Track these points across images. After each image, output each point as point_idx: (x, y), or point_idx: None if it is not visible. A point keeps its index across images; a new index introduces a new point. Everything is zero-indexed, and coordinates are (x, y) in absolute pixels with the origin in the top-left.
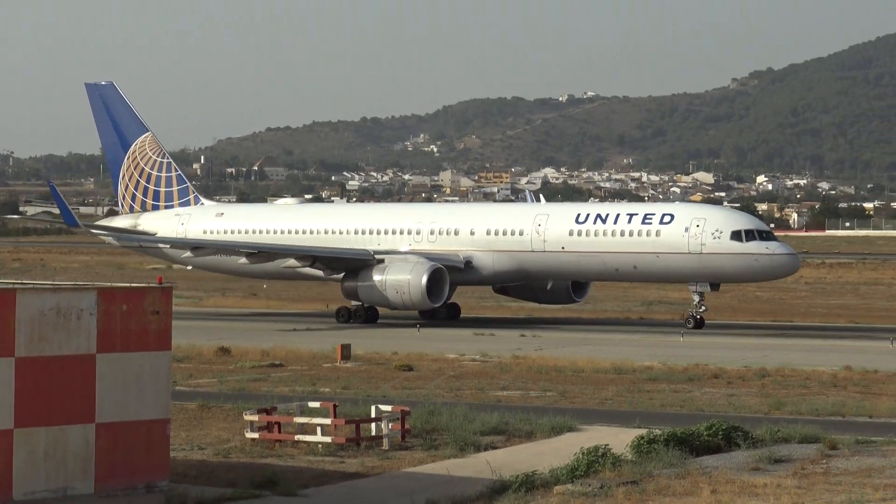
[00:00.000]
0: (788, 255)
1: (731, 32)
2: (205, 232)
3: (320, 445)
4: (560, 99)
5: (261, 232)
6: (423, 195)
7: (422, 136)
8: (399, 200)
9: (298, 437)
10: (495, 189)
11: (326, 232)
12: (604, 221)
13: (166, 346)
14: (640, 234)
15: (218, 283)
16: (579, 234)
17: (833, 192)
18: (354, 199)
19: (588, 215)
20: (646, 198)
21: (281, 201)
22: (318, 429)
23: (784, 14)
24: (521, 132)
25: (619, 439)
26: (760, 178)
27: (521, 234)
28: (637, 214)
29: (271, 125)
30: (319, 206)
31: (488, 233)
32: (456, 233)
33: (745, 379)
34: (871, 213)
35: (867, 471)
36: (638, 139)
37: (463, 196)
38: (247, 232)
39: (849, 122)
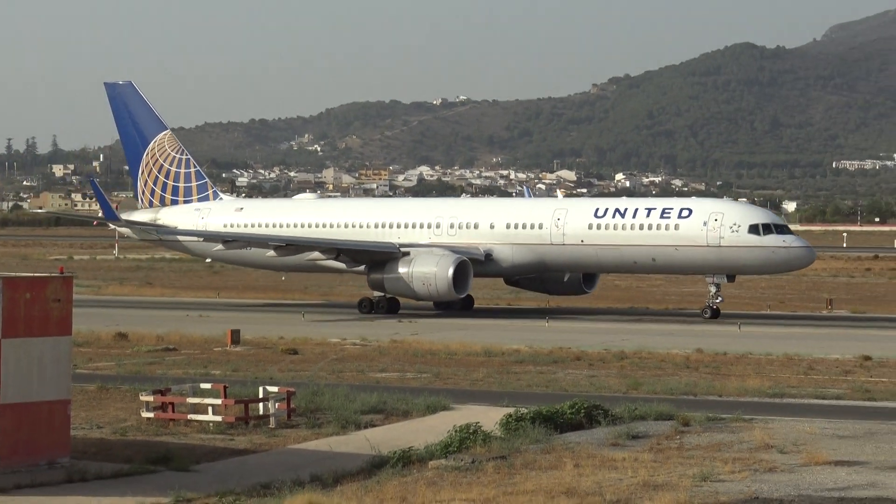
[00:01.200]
0: (805, 247)
1: (591, 42)
2: (225, 226)
3: (211, 424)
4: (434, 102)
5: (280, 226)
6: (308, 191)
7: (306, 136)
8: (286, 196)
9: (191, 416)
10: (374, 185)
11: (346, 226)
12: (622, 216)
13: (67, 331)
14: (658, 227)
15: (115, 273)
16: (598, 227)
17: (685, 188)
18: (244, 194)
19: (607, 210)
20: (513, 193)
21: (299, 196)
22: (210, 409)
23: (640, 24)
24: (399, 133)
25: (489, 417)
26: (619, 176)
27: (540, 227)
28: (655, 209)
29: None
30: (338, 201)
31: (508, 226)
32: (476, 226)
33: (605, 361)
34: None
35: (717, 445)
36: (506, 139)
37: (344, 192)
38: (266, 226)
39: (700, 124)
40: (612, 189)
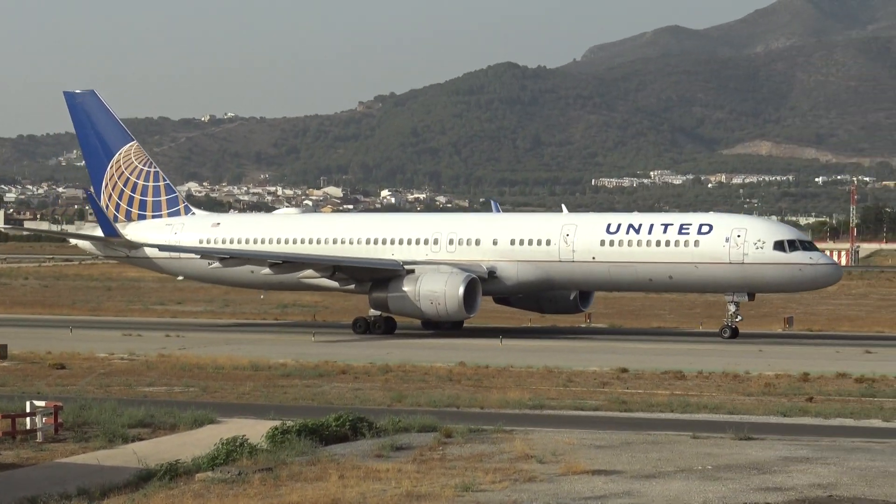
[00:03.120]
0: (832, 265)
1: (357, 60)
2: (200, 241)
3: None
4: (202, 119)
5: (262, 242)
6: (76, 206)
7: (75, 151)
8: (53, 212)
9: None
10: None
11: (335, 241)
12: (637, 231)
13: None
14: (677, 244)
15: None
16: (611, 243)
17: (449, 204)
18: (11, 210)
19: (619, 225)
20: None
21: (281, 211)
22: None
23: (405, 44)
24: (167, 149)
25: (256, 430)
26: (384, 192)
27: (547, 243)
28: (672, 224)
29: None
30: (326, 216)
31: (512, 242)
32: (477, 243)
33: (370, 374)
34: None
35: (479, 456)
36: (274, 156)
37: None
38: (246, 242)
39: (463, 142)
40: (378, 206)
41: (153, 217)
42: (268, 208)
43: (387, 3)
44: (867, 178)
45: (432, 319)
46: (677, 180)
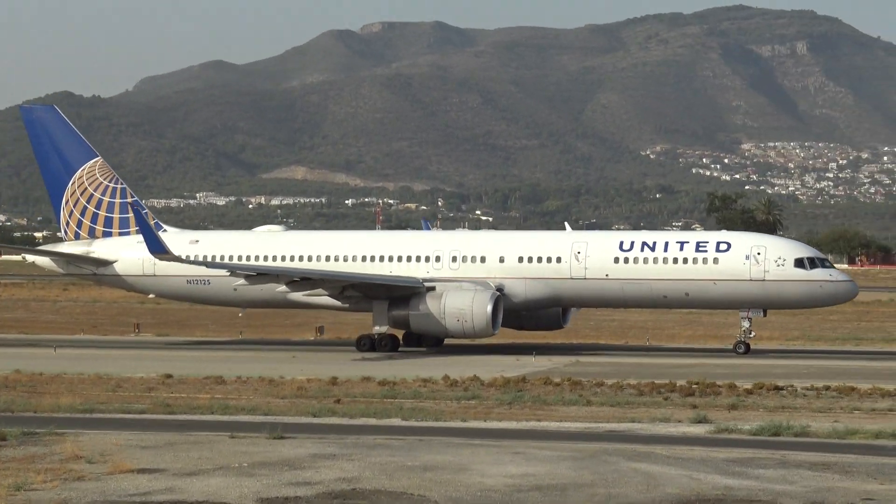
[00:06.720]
0: (849, 282)
1: None
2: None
3: None
4: None
5: (246, 259)
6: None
7: None
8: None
9: None
10: None
11: (327, 259)
12: (652, 249)
13: None
14: (695, 261)
15: None
16: (626, 261)
17: (9, 223)
18: None
19: (633, 243)
20: None
21: (263, 228)
22: None
23: None
24: None
25: None
26: None
27: (558, 261)
28: (689, 242)
29: None
30: (306, 234)
31: (520, 260)
32: (483, 260)
33: None
34: (41, 240)
35: (31, 458)
36: None
37: None
38: (229, 259)
39: (22, 165)
40: None
41: (120, 234)
42: None
43: None
44: (391, 201)
45: (457, 336)
46: (221, 201)
